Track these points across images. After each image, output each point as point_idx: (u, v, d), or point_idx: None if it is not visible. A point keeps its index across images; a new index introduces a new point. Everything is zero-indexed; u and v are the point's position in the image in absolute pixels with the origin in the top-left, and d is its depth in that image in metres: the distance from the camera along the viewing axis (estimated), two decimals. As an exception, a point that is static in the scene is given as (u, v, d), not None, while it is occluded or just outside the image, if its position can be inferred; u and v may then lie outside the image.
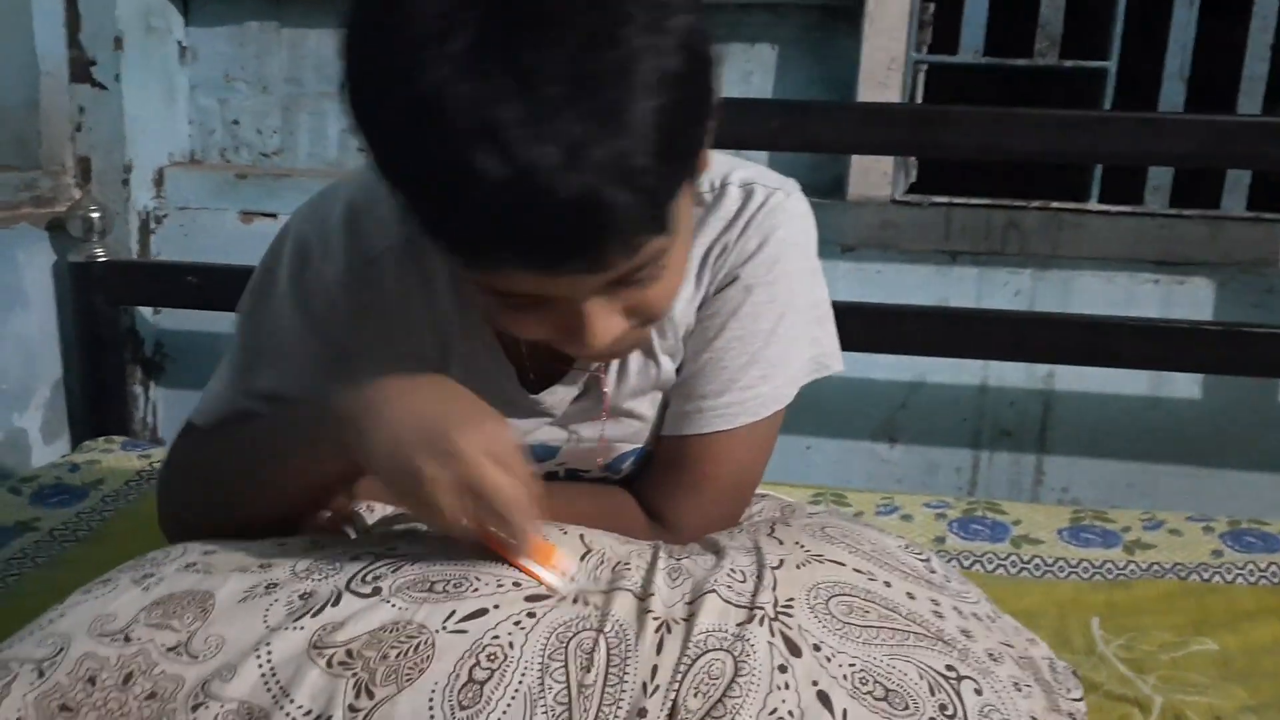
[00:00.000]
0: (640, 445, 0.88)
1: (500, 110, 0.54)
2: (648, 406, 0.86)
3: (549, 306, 0.64)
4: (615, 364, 0.83)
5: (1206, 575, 1.24)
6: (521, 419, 0.84)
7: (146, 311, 1.80)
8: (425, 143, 0.55)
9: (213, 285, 1.64)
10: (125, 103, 1.70)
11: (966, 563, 1.28)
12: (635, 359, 0.83)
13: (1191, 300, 1.59)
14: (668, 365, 0.84)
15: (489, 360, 0.82)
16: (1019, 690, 0.72)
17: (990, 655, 0.73)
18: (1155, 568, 1.27)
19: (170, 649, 0.63)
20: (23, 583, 1.18)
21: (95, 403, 1.72)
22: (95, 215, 1.65)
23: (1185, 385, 1.62)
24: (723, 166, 0.82)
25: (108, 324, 1.70)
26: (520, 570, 0.68)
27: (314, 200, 0.83)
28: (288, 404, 0.78)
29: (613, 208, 0.56)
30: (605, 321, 0.65)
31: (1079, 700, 0.82)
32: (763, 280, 0.81)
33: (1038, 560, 1.30)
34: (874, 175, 1.63)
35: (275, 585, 0.67)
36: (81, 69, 1.68)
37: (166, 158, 1.80)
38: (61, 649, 0.64)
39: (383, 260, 0.78)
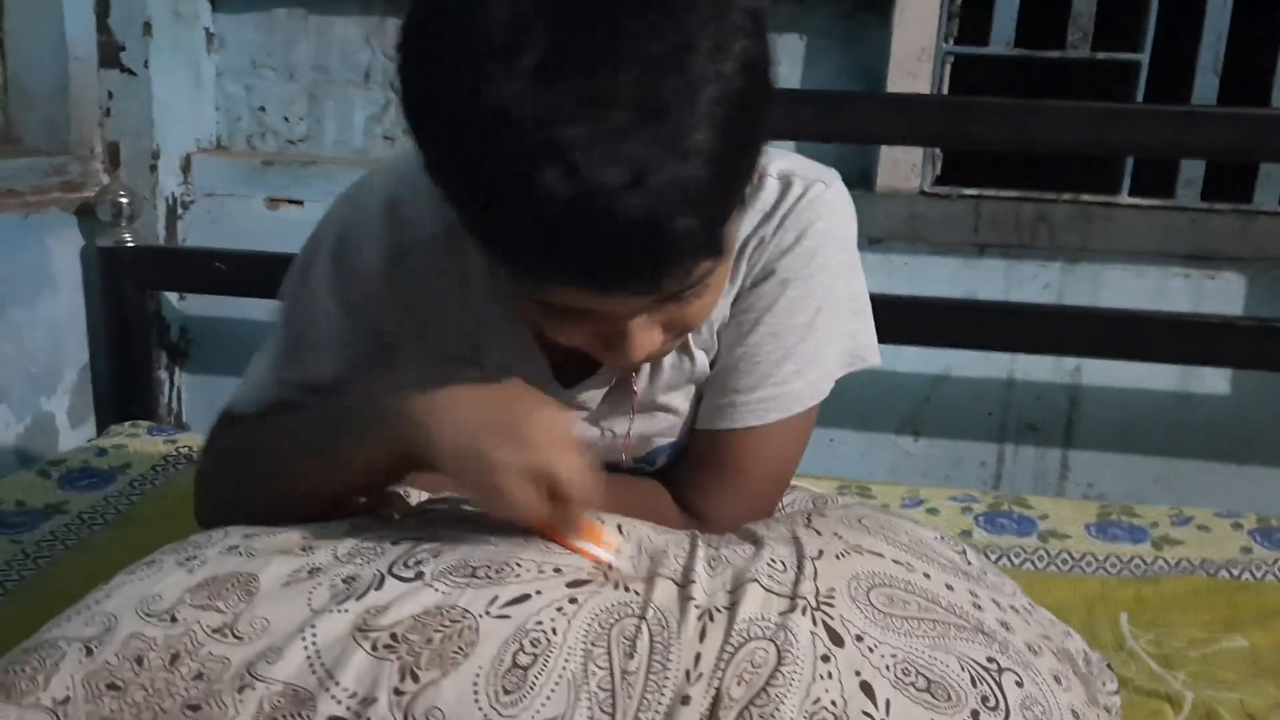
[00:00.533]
0: (674, 439, 0.87)
1: (567, 129, 0.54)
2: (681, 400, 0.85)
3: (592, 319, 0.64)
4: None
5: (1236, 572, 1.24)
6: None
7: (172, 297, 1.81)
8: (489, 157, 0.55)
9: (239, 271, 1.65)
10: (154, 88, 1.71)
11: (993, 557, 1.28)
12: (669, 355, 0.83)
13: (1222, 295, 1.57)
14: (701, 360, 0.84)
15: (522, 355, 0.82)
16: (1059, 683, 0.71)
17: (1030, 648, 0.73)
18: (1184, 564, 1.26)
19: (216, 630, 0.63)
20: (54, 565, 1.19)
21: (121, 387, 1.73)
22: (124, 200, 1.65)
23: (1214, 380, 1.61)
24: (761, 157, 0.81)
25: (135, 309, 1.71)
26: (572, 550, 0.69)
27: (351, 190, 0.83)
28: (334, 395, 0.78)
29: (674, 233, 0.56)
30: (645, 336, 0.65)
31: (1115, 694, 0.82)
32: (799, 274, 0.80)
33: (1065, 555, 1.29)
34: (903, 167, 1.62)
35: (318, 569, 0.67)
36: (110, 54, 1.69)
37: (194, 144, 1.80)
38: (109, 628, 0.64)
39: (419, 252, 0.78)
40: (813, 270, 0.80)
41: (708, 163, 0.56)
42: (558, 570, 0.67)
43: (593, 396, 0.84)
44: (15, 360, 1.61)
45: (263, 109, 1.82)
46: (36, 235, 1.63)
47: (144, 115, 1.71)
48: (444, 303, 0.80)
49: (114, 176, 1.72)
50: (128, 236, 1.67)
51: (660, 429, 0.87)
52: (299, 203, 1.75)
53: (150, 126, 1.71)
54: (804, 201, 0.80)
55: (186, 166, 1.78)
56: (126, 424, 1.63)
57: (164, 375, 1.82)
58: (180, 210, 1.79)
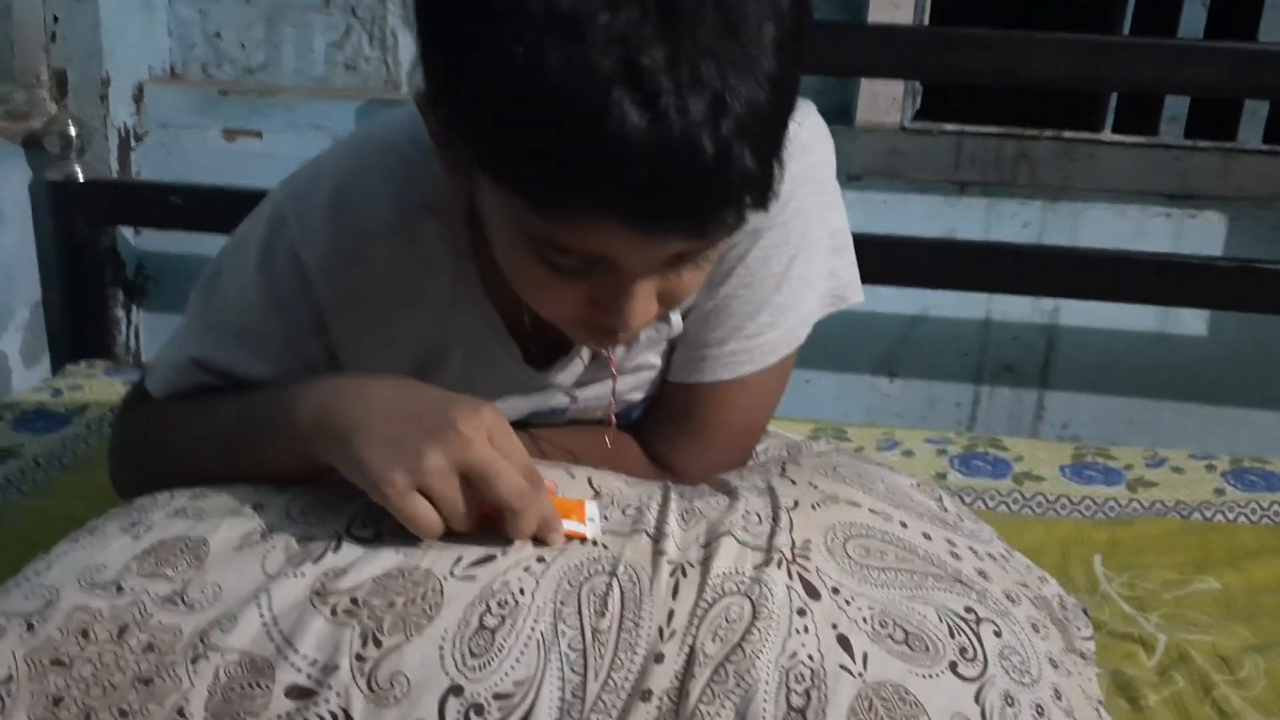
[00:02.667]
0: (646, 393, 0.85)
1: (646, 51, 0.49)
2: (655, 356, 0.83)
3: (597, 277, 0.59)
4: None
5: (1209, 514, 1.24)
6: (528, 395, 0.81)
7: (128, 232, 1.75)
8: (555, 71, 0.50)
9: (196, 206, 1.59)
10: (102, 12, 1.62)
11: (968, 499, 1.28)
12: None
13: (1203, 234, 1.56)
14: (676, 320, 0.81)
15: (491, 338, 0.78)
16: (1037, 632, 0.71)
17: (1008, 596, 0.72)
18: (1158, 506, 1.27)
19: (165, 599, 0.60)
20: (9, 511, 1.16)
21: (76, 325, 1.68)
22: (73, 131, 1.58)
23: (1191, 321, 1.60)
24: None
25: (87, 245, 1.65)
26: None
27: (297, 174, 0.77)
28: (251, 394, 0.74)
29: (742, 170, 0.52)
30: (645, 303, 0.61)
31: (1090, 639, 0.82)
32: (773, 222, 0.76)
33: (1040, 497, 1.29)
34: (883, 101, 1.58)
35: (271, 530, 0.64)
36: (55, -25, 1.61)
37: (146, 72, 1.72)
38: (50, 602, 0.61)
39: (374, 239, 0.73)
40: (787, 216, 0.77)
41: (772, 95, 0.52)
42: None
43: (567, 377, 0.81)
44: (-38, 290, 1.56)
45: (218, 35, 1.74)
46: (-18, 167, 1.56)
47: (92, 41, 1.63)
48: (403, 291, 0.76)
49: (62, 106, 1.65)
50: (78, 169, 1.60)
51: (634, 385, 0.85)
52: (257, 134, 1.68)
53: (99, 53, 1.63)
54: None
55: (139, 96, 1.71)
56: (82, 363, 1.59)
57: (121, 313, 1.77)
58: (133, 142, 1.72)
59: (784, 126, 0.55)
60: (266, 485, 0.70)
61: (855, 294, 0.85)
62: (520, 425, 0.80)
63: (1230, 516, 1.24)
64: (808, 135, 0.77)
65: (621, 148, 0.50)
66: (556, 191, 0.53)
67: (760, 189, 0.55)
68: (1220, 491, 1.29)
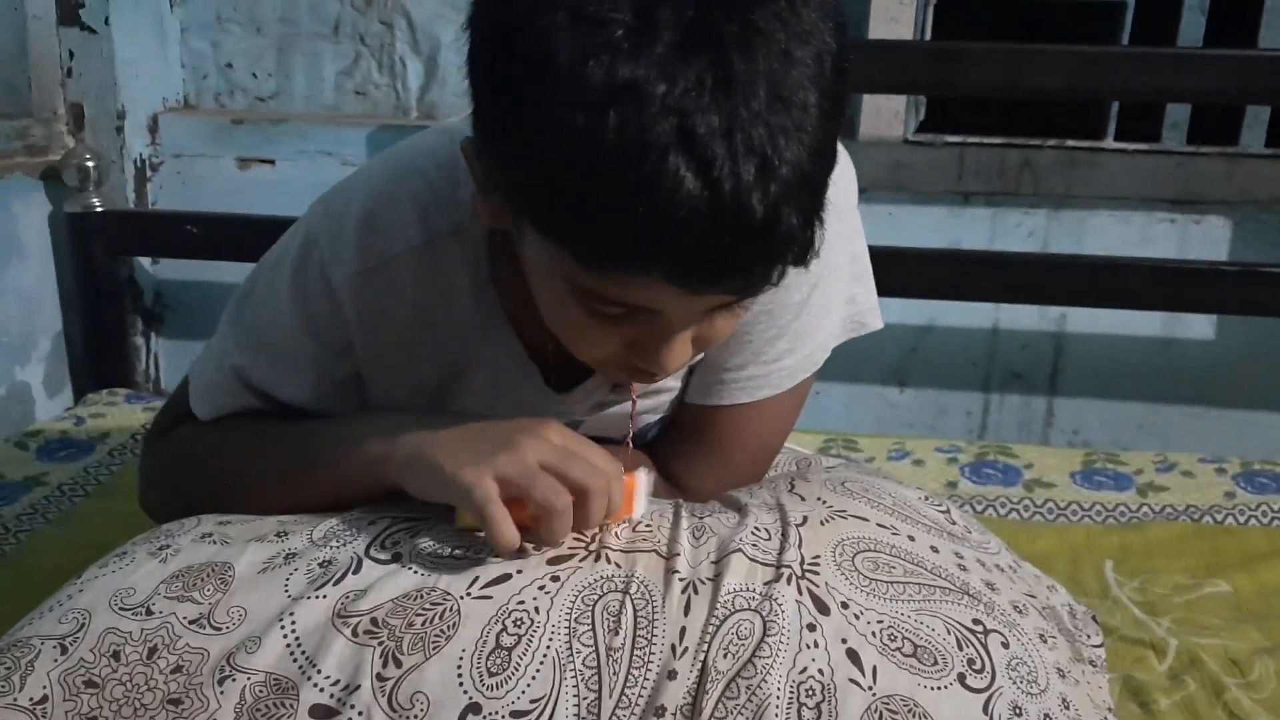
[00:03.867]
0: (663, 414, 0.86)
1: (701, 117, 0.51)
2: (673, 379, 0.84)
3: (637, 323, 0.61)
4: None
5: (1220, 517, 1.25)
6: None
7: (145, 261, 1.78)
8: (612, 132, 0.51)
9: (211, 234, 1.62)
10: (116, 47, 1.65)
11: (979, 507, 1.28)
12: None
13: (1208, 239, 1.56)
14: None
15: (511, 363, 0.80)
16: (1044, 642, 0.71)
17: (1015, 607, 0.73)
18: (1168, 510, 1.27)
19: (193, 621, 0.62)
20: (35, 539, 1.18)
21: (97, 354, 1.71)
22: (90, 164, 1.61)
23: (1198, 326, 1.61)
24: None
25: (106, 275, 1.68)
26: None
27: (328, 196, 0.79)
28: (316, 421, 0.77)
29: (788, 231, 0.54)
30: (683, 348, 0.63)
31: (1099, 646, 0.83)
32: None
33: (1050, 504, 1.30)
34: (885, 114, 1.59)
35: (294, 554, 0.66)
36: (70, 12, 1.63)
37: (160, 103, 1.75)
38: (83, 625, 0.63)
39: (401, 261, 0.75)
40: None
41: (815, 159, 0.54)
42: (538, 548, 0.66)
43: (586, 401, 0.83)
44: (-17, 324, 1.59)
45: (230, 65, 1.77)
46: (2, 202, 1.59)
47: (107, 75, 1.66)
48: (426, 314, 0.77)
49: (79, 139, 1.68)
50: (96, 201, 1.63)
51: (652, 406, 0.86)
52: (270, 162, 1.71)
53: (114, 86, 1.66)
54: None
55: (154, 127, 1.74)
56: (104, 392, 1.61)
57: (140, 341, 1.80)
58: (149, 172, 1.75)
59: (825, 187, 0.57)
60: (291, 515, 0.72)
61: (875, 320, 0.87)
62: None
63: (1241, 519, 1.24)
64: None
65: (675, 212, 0.52)
66: (607, 251, 0.55)
67: (803, 247, 0.57)
68: (1231, 494, 1.29)
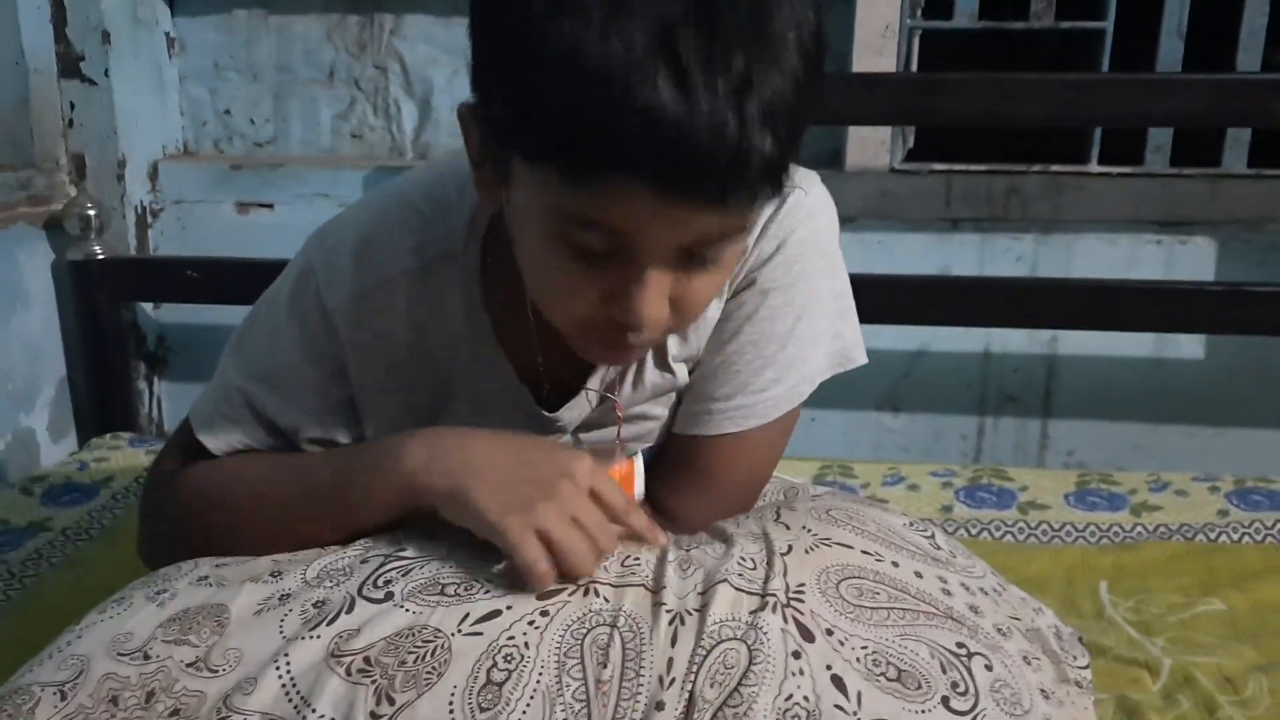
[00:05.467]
0: (651, 443, 0.88)
1: (682, 35, 0.56)
2: (660, 408, 0.86)
3: (615, 267, 0.64)
4: (630, 376, 0.84)
5: (1213, 535, 1.25)
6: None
7: (147, 306, 1.80)
8: (595, 45, 0.56)
9: (212, 278, 1.64)
10: (116, 97, 1.69)
11: (974, 530, 1.29)
12: (650, 370, 0.84)
13: (1194, 260, 1.58)
14: (681, 373, 0.85)
15: (501, 381, 0.82)
16: (1028, 664, 0.72)
17: (999, 630, 0.74)
18: (1162, 529, 1.28)
19: (189, 664, 0.63)
20: (41, 584, 1.19)
21: (101, 400, 1.73)
22: (91, 212, 1.64)
23: (1189, 346, 1.62)
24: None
25: (109, 321, 1.70)
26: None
27: (325, 228, 0.83)
28: (345, 448, 0.79)
29: (761, 150, 0.57)
30: (658, 295, 0.65)
31: (1085, 668, 0.84)
32: (780, 283, 0.81)
33: (1045, 526, 1.30)
34: (871, 145, 1.61)
35: (288, 595, 0.67)
36: (70, 65, 1.67)
37: (160, 150, 1.79)
38: (82, 671, 0.64)
39: (395, 284, 0.78)
40: (793, 278, 0.81)
41: (795, 91, 0.58)
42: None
43: (575, 418, 0.85)
44: (-12, 374, 1.61)
45: (228, 112, 1.81)
46: (6, 251, 1.62)
47: (107, 124, 1.69)
48: (419, 336, 0.80)
49: (81, 188, 1.71)
50: (98, 248, 1.66)
51: (638, 434, 0.88)
52: (269, 206, 1.74)
53: (114, 135, 1.70)
54: (783, 210, 0.80)
55: (154, 174, 1.77)
56: (107, 436, 1.63)
57: (143, 385, 1.82)
58: (150, 218, 1.78)
59: (801, 126, 0.61)
60: (285, 554, 0.74)
61: (860, 355, 0.89)
62: None
63: (1235, 537, 1.25)
64: (813, 203, 0.82)
65: (652, 115, 0.55)
66: (587, 155, 0.58)
67: (775, 175, 0.60)
68: (1224, 513, 1.29)
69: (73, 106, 1.69)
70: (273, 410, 0.82)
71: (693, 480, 0.85)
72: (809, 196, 0.81)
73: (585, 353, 0.73)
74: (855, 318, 0.88)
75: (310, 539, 0.76)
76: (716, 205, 0.59)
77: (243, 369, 0.83)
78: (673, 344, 0.83)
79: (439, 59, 1.72)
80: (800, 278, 0.81)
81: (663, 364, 0.84)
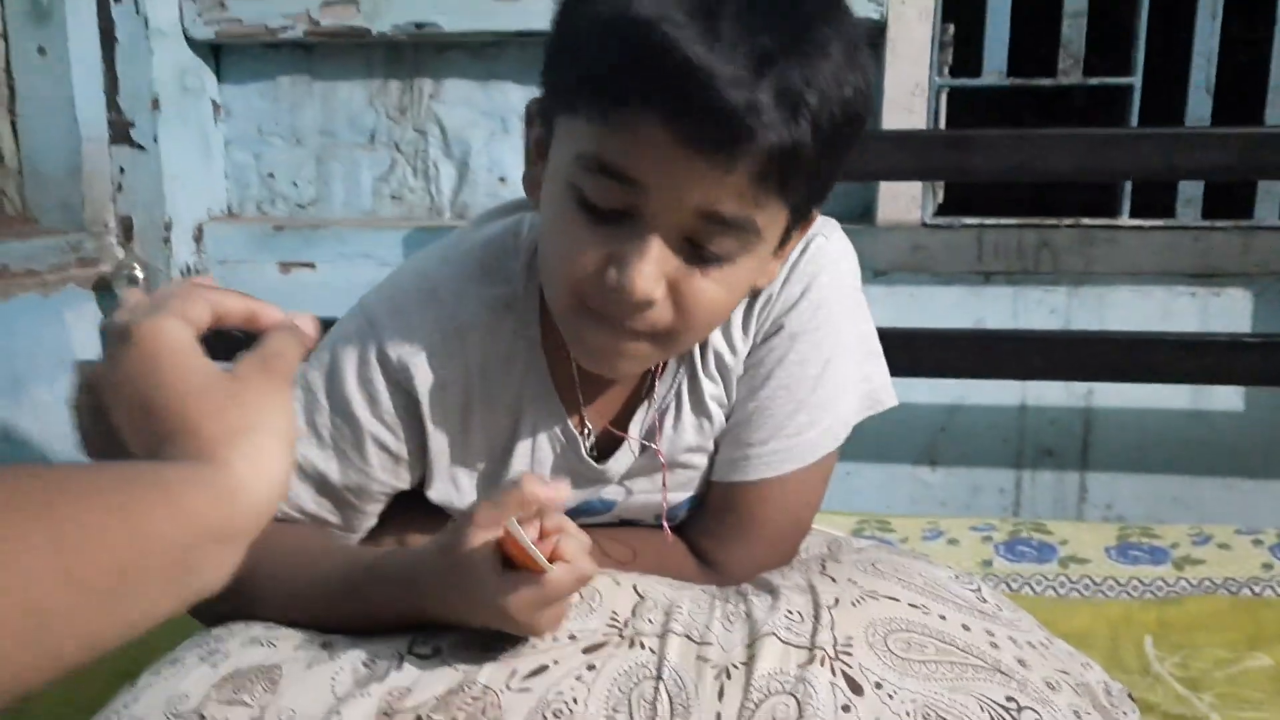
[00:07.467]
0: (692, 492, 0.89)
1: (724, 6, 0.61)
2: (700, 457, 0.87)
3: (622, 228, 0.67)
4: (670, 421, 0.85)
5: (1258, 589, 1.23)
6: (585, 486, 0.86)
7: (191, 364, 1.83)
8: (635, 7, 0.61)
9: (253, 335, 1.67)
10: (164, 161, 1.74)
11: (1015, 585, 1.28)
12: (688, 415, 0.85)
13: (1229, 311, 1.58)
14: (718, 415, 0.85)
15: (557, 429, 0.84)
16: (1079, 718, 0.72)
17: (1048, 684, 0.73)
18: (1206, 583, 1.26)
19: (244, 725, 0.64)
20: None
21: (144, 456, 1.75)
22: (139, 273, 1.68)
23: (1227, 397, 1.61)
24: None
25: (154, 379, 1.73)
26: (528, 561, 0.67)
27: (380, 286, 0.84)
28: (369, 552, 0.79)
29: (773, 123, 0.61)
30: (654, 269, 0.67)
31: (1136, 724, 0.83)
32: (807, 327, 0.82)
33: (1087, 580, 1.29)
34: (903, 200, 1.63)
35: (338, 652, 0.68)
36: (121, 131, 1.73)
37: (205, 213, 1.83)
38: None
39: (465, 331, 0.80)
40: (819, 322, 0.82)
41: (820, 99, 0.63)
42: (572, 637, 0.68)
43: (619, 467, 0.86)
44: (39, 438, 1.64)
45: (271, 175, 1.86)
46: (56, 313, 1.66)
47: (155, 188, 1.74)
48: (484, 383, 0.82)
49: (128, 250, 1.75)
50: (145, 309, 1.69)
51: (680, 483, 0.88)
52: (310, 265, 1.78)
53: (162, 199, 1.75)
54: (806, 257, 0.82)
55: (199, 236, 1.82)
56: (151, 493, 1.65)
57: (185, 442, 1.84)
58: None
59: (825, 141, 0.64)
60: None
61: (889, 397, 0.90)
62: (572, 515, 0.84)
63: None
64: (834, 248, 0.84)
65: (679, 60, 0.60)
66: (614, 89, 0.63)
67: (785, 162, 0.64)
68: (1268, 566, 1.28)
69: (122, 171, 1.74)
70: (326, 468, 0.82)
71: (735, 527, 0.85)
72: (830, 242, 0.83)
73: (579, 349, 0.75)
74: (882, 360, 0.89)
75: (343, 626, 0.75)
76: (723, 163, 0.63)
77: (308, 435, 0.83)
78: (707, 385, 0.84)
79: (477, 122, 1.77)
80: (827, 321, 0.83)
81: (698, 406, 0.85)
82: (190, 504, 0.43)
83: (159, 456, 0.47)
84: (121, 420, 0.49)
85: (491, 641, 0.68)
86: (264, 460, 0.47)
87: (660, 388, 0.84)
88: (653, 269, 0.66)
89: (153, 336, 0.50)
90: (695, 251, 0.67)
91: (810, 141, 0.63)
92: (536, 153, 0.73)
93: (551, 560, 0.65)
